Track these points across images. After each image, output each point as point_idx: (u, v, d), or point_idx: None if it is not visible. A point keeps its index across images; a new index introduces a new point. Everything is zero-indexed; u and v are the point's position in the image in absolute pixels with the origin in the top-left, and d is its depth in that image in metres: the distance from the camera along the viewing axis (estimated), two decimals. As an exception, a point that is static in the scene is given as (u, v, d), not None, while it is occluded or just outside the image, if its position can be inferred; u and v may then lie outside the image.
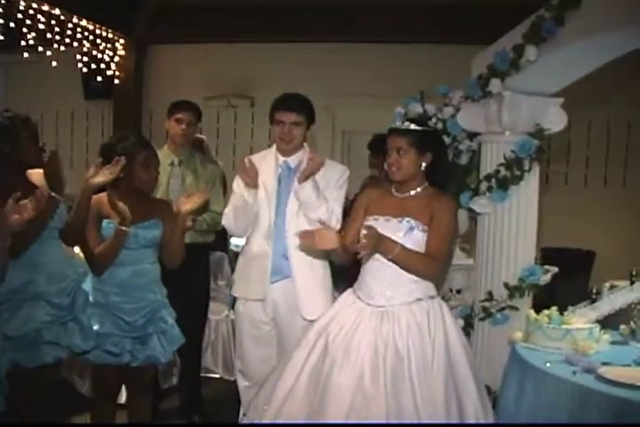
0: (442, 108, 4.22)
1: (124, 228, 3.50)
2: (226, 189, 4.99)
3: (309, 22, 7.62)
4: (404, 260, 3.29)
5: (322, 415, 3.21)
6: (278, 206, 3.82)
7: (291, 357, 3.47)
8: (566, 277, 4.56)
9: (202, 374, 5.28)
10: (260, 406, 3.51)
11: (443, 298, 3.69)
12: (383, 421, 3.12)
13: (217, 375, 5.49)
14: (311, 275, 3.83)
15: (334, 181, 3.86)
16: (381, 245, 3.24)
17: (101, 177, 3.43)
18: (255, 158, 3.90)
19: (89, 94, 8.42)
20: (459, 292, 4.36)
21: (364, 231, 3.25)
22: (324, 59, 7.87)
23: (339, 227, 3.78)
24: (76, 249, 3.83)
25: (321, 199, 3.74)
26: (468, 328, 4.12)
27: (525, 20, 3.75)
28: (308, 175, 3.70)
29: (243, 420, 3.77)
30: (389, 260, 3.29)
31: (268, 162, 3.88)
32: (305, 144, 3.94)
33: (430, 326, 3.30)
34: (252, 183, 3.77)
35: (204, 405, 4.86)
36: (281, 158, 3.88)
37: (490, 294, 4.01)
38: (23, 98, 8.11)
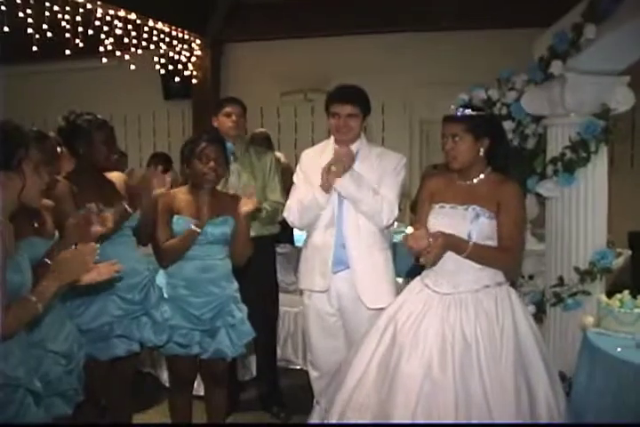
0: (505, 93, 4.17)
1: (197, 229, 3.58)
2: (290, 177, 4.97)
3: (381, 14, 7.58)
4: (479, 257, 3.26)
5: (390, 403, 3.23)
6: (339, 197, 3.82)
7: (360, 345, 3.49)
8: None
9: (283, 366, 5.36)
10: (332, 394, 3.56)
11: (514, 284, 3.65)
12: (452, 408, 3.11)
13: (298, 367, 5.52)
14: (370, 264, 3.83)
15: (390, 169, 3.85)
16: (452, 246, 3.23)
17: (159, 187, 3.56)
18: (315, 151, 3.95)
19: (168, 95, 8.62)
20: (531, 278, 4.30)
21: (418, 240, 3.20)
22: (399, 50, 7.84)
23: (395, 215, 3.79)
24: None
25: (364, 191, 3.73)
26: (540, 314, 4.07)
27: (584, -1, 3.68)
28: (342, 171, 3.70)
29: (315, 408, 3.82)
30: (464, 257, 3.26)
31: (327, 154, 3.88)
32: (362, 134, 3.94)
33: (498, 312, 3.26)
34: (328, 188, 3.78)
35: (285, 395, 4.90)
36: (338, 150, 3.89)
37: (561, 279, 3.96)
38: (105, 101, 8.36)
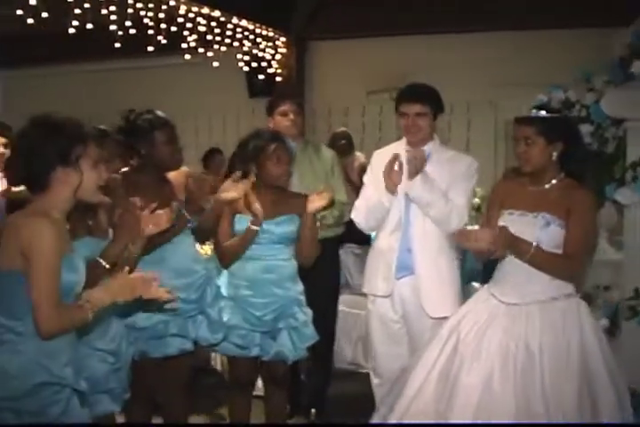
0: (585, 94, 3.99)
1: (254, 227, 3.53)
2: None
3: (467, 13, 7.42)
4: (540, 262, 3.14)
5: (448, 414, 3.15)
6: (406, 200, 3.72)
7: (422, 354, 3.41)
8: None
9: (352, 369, 5.38)
10: (391, 401, 3.48)
11: (589, 296, 3.50)
12: (511, 421, 3.01)
13: (366, 371, 5.44)
14: (435, 270, 3.72)
15: (461, 173, 3.73)
16: (514, 247, 3.12)
17: (233, 193, 3.50)
18: (387, 151, 3.84)
19: (253, 92, 8.62)
20: (606, 289, 4.11)
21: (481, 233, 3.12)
22: (485, 49, 7.66)
23: (464, 221, 3.67)
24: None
25: (435, 195, 3.61)
26: (613, 328, 3.87)
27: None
28: (414, 173, 3.58)
29: (374, 416, 3.74)
30: (524, 262, 3.15)
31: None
32: (435, 136, 3.82)
33: (565, 325, 3.13)
34: (393, 189, 3.68)
35: (350, 399, 4.85)
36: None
37: (636, 291, 3.76)
38: (188, 98, 8.52)
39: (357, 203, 3.93)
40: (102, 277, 2.79)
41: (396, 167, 3.62)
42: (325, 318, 4.46)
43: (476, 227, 3.83)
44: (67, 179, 2.50)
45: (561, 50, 7.03)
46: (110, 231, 3.08)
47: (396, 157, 3.63)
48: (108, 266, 2.86)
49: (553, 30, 7.17)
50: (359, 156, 6.99)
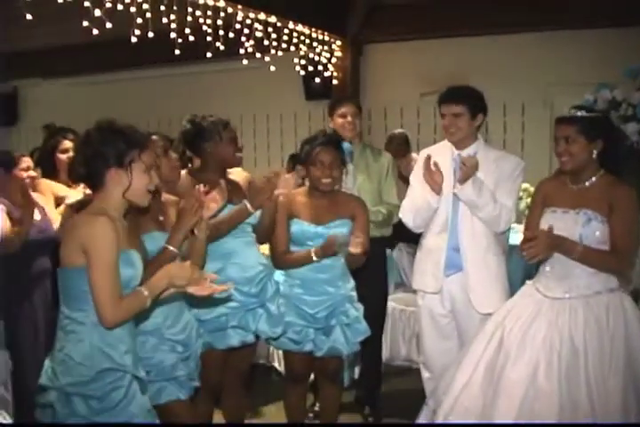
0: (633, 93, 4.02)
1: (315, 258, 3.65)
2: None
3: (522, 12, 7.37)
4: (590, 259, 3.21)
5: (493, 409, 3.22)
6: (453, 201, 3.80)
7: (469, 349, 3.49)
8: None
9: (407, 365, 5.45)
10: (440, 395, 3.56)
11: (637, 292, 3.52)
12: (555, 417, 3.06)
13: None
14: (483, 268, 3.80)
15: (508, 173, 3.79)
16: (560, 247, 3.19)
17: (284, 189, 3.63)
18: (431, 151, 3.91)
19: (310, 95, 8.73)
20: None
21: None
22: (539, 48, 7.60)
23: (512, 221, 3.74)
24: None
25: (485, 198, 3.67)
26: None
27: None
28: (465, 178, 3.65)
29: (423, 409, 3.82)
30: (574, 259, 3.21)
31: (443, 156, 3.86)
32: (479, 136, 3.89)
33: (609, 320, 3.18)
34: (438, 189, 3.77)
35: (400, 395, 4.93)
36: (455, 152, 3.86)
37: (684, 287, 3.77)
38: (247, 101, 8.77)
39: (404, 202, 4.02)
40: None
41: (432, 167, 3.71)
42: (372, 318, 4.53)
43: (522, 226, 3.90)
44: (118, 180, 2.69)
45: (615, 48, 6.95)
46: None
47: (429, 159, 3.73)
48: (175, 250, 3.03)
49: (606, 29, 7.09)
50: (415, 156, 7.04)
